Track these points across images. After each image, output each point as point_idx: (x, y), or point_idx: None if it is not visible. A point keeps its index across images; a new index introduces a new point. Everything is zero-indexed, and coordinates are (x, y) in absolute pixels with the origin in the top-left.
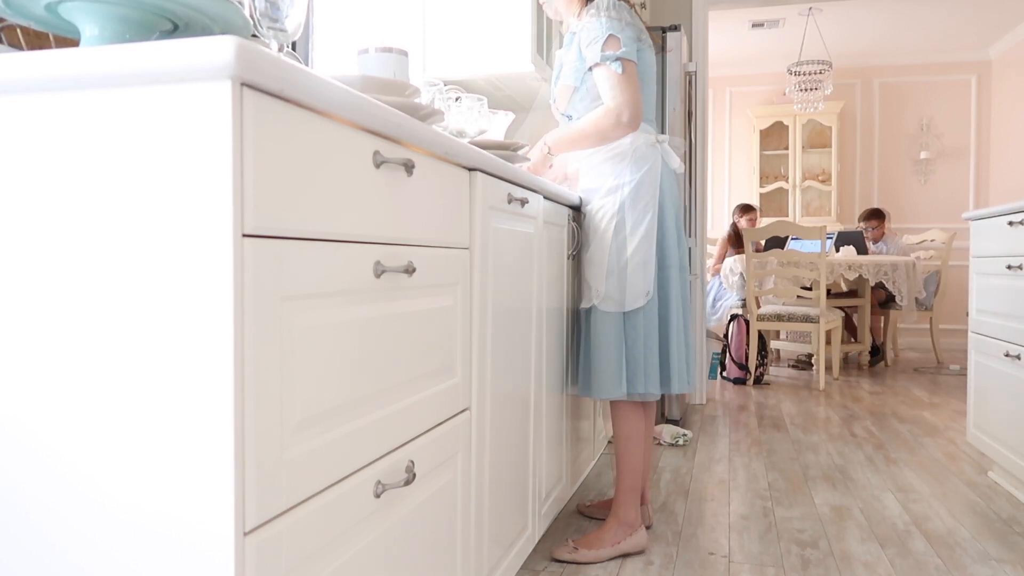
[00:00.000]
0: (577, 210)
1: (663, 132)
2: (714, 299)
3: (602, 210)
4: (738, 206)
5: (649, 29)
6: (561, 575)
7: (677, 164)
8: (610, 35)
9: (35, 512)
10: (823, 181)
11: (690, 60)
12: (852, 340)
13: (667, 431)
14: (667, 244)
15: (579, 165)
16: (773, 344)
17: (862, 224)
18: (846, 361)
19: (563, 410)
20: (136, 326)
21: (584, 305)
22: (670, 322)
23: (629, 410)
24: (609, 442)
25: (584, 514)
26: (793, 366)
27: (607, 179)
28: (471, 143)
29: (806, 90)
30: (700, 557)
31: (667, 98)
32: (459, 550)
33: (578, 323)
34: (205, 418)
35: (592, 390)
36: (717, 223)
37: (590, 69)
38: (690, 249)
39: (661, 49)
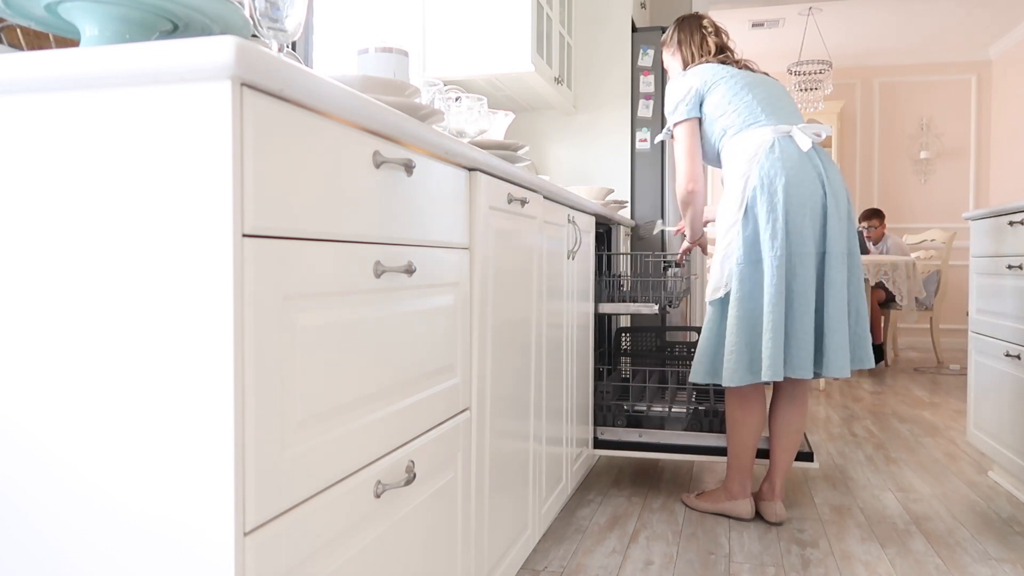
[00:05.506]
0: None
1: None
2: None
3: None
4: None
5: (649, 29)
6: (561, 575)
7: (803, 142)
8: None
9: (34, 514)
10: None
11: None
12: None
13: None
14: (763, 235)
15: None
16: None
17: (862, 224)
18: None
19: (564, 410)
20: (136, 326)
21: None
22: (763, 310)
23: (729, 396)
24: None
25: (688, 504)
26: None
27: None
28: (471, 143)
29: (806, 90)
30: (700, 557)
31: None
32: (459, 550)
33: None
34: (205, 418)
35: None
36: None
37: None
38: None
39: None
